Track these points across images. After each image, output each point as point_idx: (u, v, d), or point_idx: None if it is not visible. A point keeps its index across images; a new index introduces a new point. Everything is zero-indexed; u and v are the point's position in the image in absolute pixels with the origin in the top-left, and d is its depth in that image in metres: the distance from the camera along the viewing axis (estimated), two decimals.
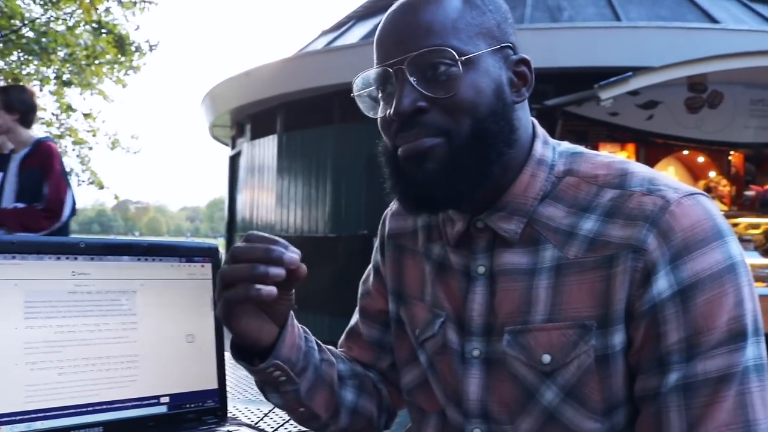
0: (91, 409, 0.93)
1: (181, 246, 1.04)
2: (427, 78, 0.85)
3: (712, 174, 8.27)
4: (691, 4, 9.14)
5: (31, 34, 9.93)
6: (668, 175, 0.94)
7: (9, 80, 9.99)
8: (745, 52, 6.80)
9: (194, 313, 1.03)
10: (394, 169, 0.90)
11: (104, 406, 0.94)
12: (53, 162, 3.53)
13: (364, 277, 1.17)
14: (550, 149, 0.94)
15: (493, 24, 0.89)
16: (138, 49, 12.14)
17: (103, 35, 10.98)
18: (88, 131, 12.64)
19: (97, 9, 10.47)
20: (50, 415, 0.90)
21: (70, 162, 12.71)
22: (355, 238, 8.42)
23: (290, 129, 10.07)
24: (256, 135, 11.17)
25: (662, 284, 0.79)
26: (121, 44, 11.48)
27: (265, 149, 10.77)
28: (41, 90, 11.46)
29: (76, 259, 0.95)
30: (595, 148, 6.62)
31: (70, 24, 10.65)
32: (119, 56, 11.44)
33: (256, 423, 1.23)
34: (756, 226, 7.60)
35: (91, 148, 12.96)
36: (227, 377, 1.05)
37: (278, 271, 0.82)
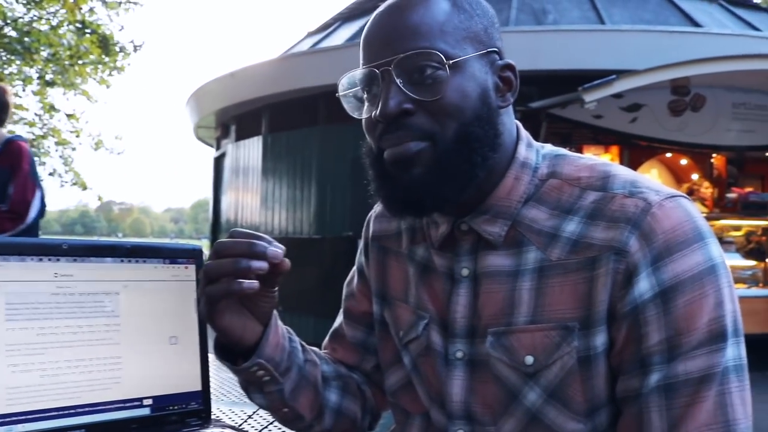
0: (73, 411, 0.92)
1: (165, 247, 1.03)
2: (413, 80, 0.85)
3: (695, 176, 8.35)
4: (674, 8, 9.24)
5: (13, 34, 9.86)
6: (651, 177, 0.95)
7: None
8: (727, 56, 6.89)
9: (178, 315, 1.02)
10: (379, 172, 0.90)
11: (87, 409, 0.93)
12: (22, 162, 3.43)
13: (348, 278, 1.17)
14: (534, 152, 0.94)
15: (480, 28, 0.89)
16: (122, 49, 12.10)
17: (87, 35, 10.93)
18: (71, 132, 12.56)
19: (81, 9, 10.42)
20: (32, 417, 0.89)
21: (53, 163, 12.63)
22: (339, 239, 8.42)
23: (275, 130, 10.05)
24: (241, 136, 11.14)
25: (644, 286, 0.79)
26: (105, 44, 11.44)
27: (250, 150, 10.74)
28: (24, 90, 11.37)
29: (58, 260, 0.94)
30: (579, 150, 6.68)
31: (54, 24, 10.60)
32: (103, 56, 11.39)
33: (240, 425, 1.23)
34: (737, 228, 7.69)
35: (74, 149, 12.90)
36: (211, 379, 1.04)
37: (261, 264, 0.83)
